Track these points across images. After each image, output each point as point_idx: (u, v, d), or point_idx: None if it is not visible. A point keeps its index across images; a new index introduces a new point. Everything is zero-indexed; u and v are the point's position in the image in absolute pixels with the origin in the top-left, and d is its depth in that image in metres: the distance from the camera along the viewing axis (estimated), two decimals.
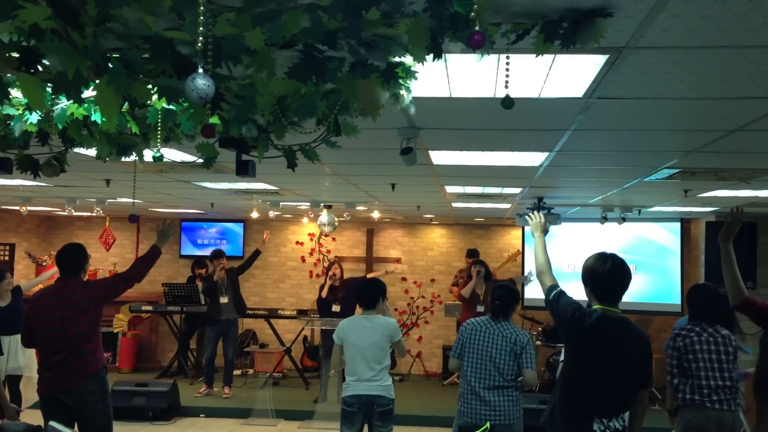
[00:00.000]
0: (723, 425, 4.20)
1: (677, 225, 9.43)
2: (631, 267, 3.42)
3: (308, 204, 8.36)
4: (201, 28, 1.41)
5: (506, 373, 4.41)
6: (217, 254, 9.04)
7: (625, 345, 3.28)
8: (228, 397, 8.65)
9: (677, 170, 4.70)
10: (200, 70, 1.39)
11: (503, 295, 4.57)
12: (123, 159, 3.02)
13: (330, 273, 8.48)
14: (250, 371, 10.33)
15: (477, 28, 1.47)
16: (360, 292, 5.06)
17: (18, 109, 2.47)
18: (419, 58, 1.81)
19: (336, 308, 8.27)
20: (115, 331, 10.50)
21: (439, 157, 4.48)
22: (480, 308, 7.83)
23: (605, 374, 3.23)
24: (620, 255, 3.40)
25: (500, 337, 4.45)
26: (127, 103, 2.01)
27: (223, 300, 8.85)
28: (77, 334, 4.29)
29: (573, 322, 3.25)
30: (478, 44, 1.42)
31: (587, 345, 3.27)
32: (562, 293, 3.36)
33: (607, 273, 3.26)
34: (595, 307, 3.28)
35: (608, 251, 3.40)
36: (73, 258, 4.49)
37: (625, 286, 3.30)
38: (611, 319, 3.25)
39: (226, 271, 8.97)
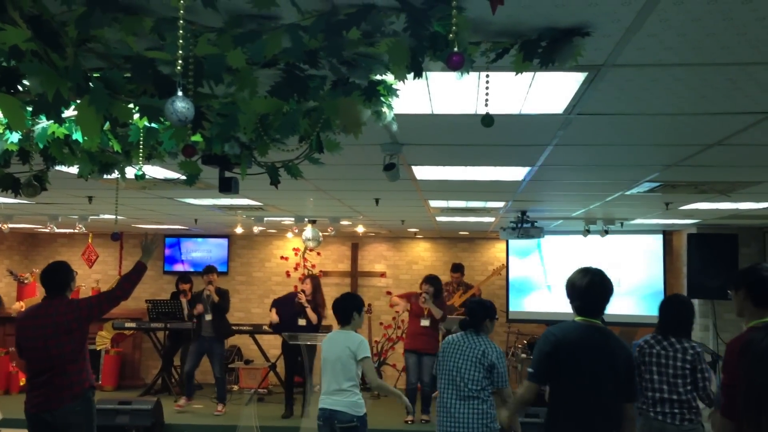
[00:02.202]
0: None
1: (659, 237, 9.50)
2: (615, 280, 3.50)
3: (292, 219, 8.34)
4: (180, 51, 1.41)
5: (470, 382, 4.40)
6: (209, 270, 8.99)
7: (610, 353, 3.32)
8: (220, 414, 8.55)
9: (658, 184, 4.75)
10: (180, 93, 1.39)
11: (475, 309, 4.66)
12: (105, 177, 3.01)
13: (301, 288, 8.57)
14: (235, 387, 10.24)
15: (456, 48, 1.49)
16: (334, 308, 5.03)
17: None
18: (400, 77, 1.82)
19: (302, 322, 8.36)
20: (98, 349, 10.37)
21: (423, 173, 4.50)
22: (424, 322, 8.26)
23: (592, 383, 3.25)
24: (603, 268, 3.47)
25: (468, 349, 4.49)
26: (108, 122, 2.01)
27: (208, 317, 8.79)
28: (61, 354, 4.21)
29: (547, 342, 3.38)
30: (456, 65, 1.43)
31: (568, 352, 3.31)
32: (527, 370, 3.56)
33: (584, 287, 3.39)
34: (576, 319, 3.38)
35: (592, 266, 3.47)
36: (56, 277, 4.40)
37: (603, 299, 3.38)
38: (590, 329, 3.34)
39: (216, 291, 8.90)
